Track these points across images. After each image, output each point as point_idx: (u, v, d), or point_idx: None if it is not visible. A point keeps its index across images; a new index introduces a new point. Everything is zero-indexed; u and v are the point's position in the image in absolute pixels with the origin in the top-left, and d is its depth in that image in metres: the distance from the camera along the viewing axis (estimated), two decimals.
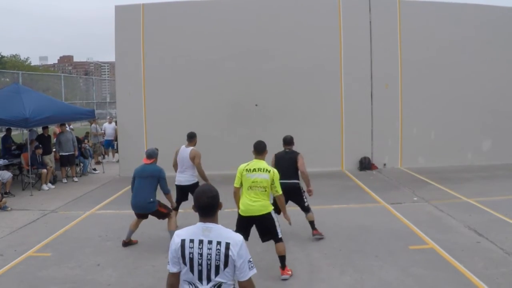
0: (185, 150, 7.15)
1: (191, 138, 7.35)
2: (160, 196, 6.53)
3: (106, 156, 16.06)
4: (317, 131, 12.20)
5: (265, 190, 5.18)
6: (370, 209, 8.41)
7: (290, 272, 5.33)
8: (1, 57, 45.82)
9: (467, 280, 5.07)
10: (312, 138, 11.80)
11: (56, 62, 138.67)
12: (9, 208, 8.86)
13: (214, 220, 2.85)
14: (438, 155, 12.73)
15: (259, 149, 5.46)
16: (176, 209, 6.97)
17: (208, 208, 2.85)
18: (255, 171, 5.20)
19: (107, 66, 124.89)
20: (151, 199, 6.31)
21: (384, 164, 12.87)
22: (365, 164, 12.66)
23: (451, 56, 12.71)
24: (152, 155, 6.52)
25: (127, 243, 6.55)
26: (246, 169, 5.25)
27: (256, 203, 5.14)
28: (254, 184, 5.16)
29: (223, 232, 2.79)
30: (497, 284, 4.93)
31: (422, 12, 12.78)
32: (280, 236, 5.26)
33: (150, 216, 6.52)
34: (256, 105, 12.44)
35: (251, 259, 2.80)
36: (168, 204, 6.63)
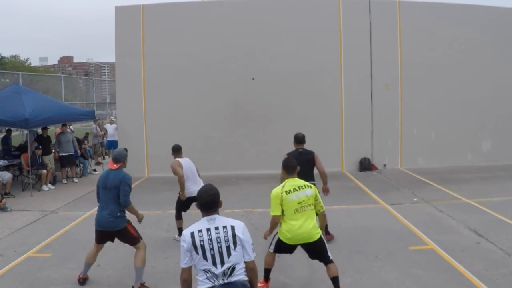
0: (188, 161, 7.01)
1: (180, 149, 7.13)
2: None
3: (107, 157, 16.05)
4: (317, 131, 12.18)
5: (313, 209, 4.64)
6: (370, 210, 8.41)
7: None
8: (1, 58, 45.80)
9: (467, 280, 5.06)
10: (312, 139, 11.70)
11: (56, 62, 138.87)
12: (8, 209, 8.86)
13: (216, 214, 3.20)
14: (438, 155, 12.73)
15: (291, 168, 4.75)
16: (179, 217, 6.83)
17: (210, 204, 3.17)
18: (296, 190, 4.59)
19: (107, 66, 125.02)
20: (118, 214, 5.03)
21: (384, 165, 12.87)
22: (365, 165, 12.67)
23: (451, 57, 12.73)
24: (118, 158, 5.14)
25: (85, 279, 5.26)
26: (285, 191, 4.57)
27: (306, 226, 4.53)
28: (301, 205, 4.55)
29: (225, 219, 3.17)
30: (497, 284, 4.92)
31: (422, 13, 12.80)
32: (331, 257, 4.70)
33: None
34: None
35: (252, 243, 3.19)
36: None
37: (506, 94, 12.92)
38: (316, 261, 5.63)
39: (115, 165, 5.11)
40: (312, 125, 12.30)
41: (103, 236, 5.17)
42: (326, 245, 4.72)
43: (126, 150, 5.38)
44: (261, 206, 8.31)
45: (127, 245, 5.32)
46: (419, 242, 6.46)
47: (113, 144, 15.70)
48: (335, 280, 4.59)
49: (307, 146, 6.62)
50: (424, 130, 12.87)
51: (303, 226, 4.51)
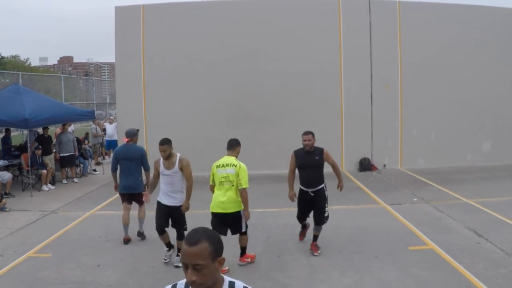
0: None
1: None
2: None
3: (107, 157, 16.06)
4: (317, 132, 12.02)
5: (233, 185, 5.39)
6: (370, 210, 8.42)
7: (248, 259, 5.74)
8: (1, 58, 45.76)
9: (467, 280, 5.06)
10: None
11: (56, 63, 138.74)
12: (7, 209, 8.85)
13: None
14: (438, 156, 12.73)
15: (228, 145, 5.78)
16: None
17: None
18: (223, 166, 5.50)
19: (107, 67, 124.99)
20: (140, 178, 6.61)
21: (384, 165, 12.87)
22: (365, 165, 12.67)
23: (451, 57, 12.73)
24: (128, 134, 6.69)
25: (128, 240, 6.62)
26: (216, 166, 5.56)
27: (225, 198, 5.40)
28: (225, 180, 5.42)
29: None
30: (497, 285, 4.93)
31: (422, 13, 12.80)
32: (244, 230, 5.59)
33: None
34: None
35: None
36: None
37: (506, 94, 12.92)
38: (316, 261, 5.65)
39: (127, 139, 6.62)
40: (312, 125, 12.16)
41: (127, 197, 6.62)
42: (243, 221, 5.50)
43: (138, 130, 6.95)
44: (261, 206, 8.30)
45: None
46: (419, 242, 6.47)
47: (112, 144, 15.71)
48: (242, 249, 5.68)
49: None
50: (424, 130, 12.88)
51: (222, 197, 5.41)
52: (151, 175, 6.28)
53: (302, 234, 6.49)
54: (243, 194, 5.40)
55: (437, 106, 12.78)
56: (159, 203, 5.78)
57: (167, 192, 5.68)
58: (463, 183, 10.46)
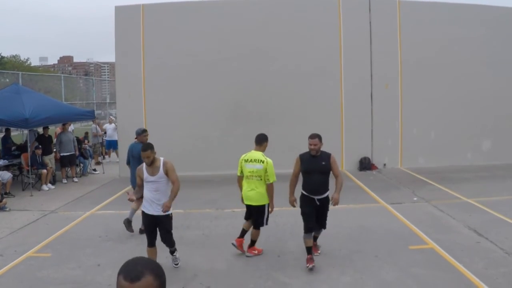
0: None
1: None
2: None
3: (107, 156, 16.06)
4: (317, 131, 12.09)
5: (260, 179, 5.74)
6: (370, 209, 8.42)
7: (255, 252, 6.00)
8: (1, 58, 45.75)
9: (467, 280, 5.06)
10: None
11: (56, 62, 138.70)
12: (8, 209, 8.85)
13: None
14: (438, 155, 12.73)
15: (256, 140, 6.05)
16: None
17: None
18: (251, 161, 5.82)
19: (107, 66, 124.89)
20: None
21: (384, 164, 12.87)
22: (365, 164, 12.67)
23: (451, 56, 12.72)
24: (137, 132, 7.31)
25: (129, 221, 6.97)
26: (244, 160, 5.88)
27: (251, 192, 5.79)
28: (251, 174, 5.78)
29: None
30: (497, 284, 4.93)
31: (422, 12, 12.79)
32: (263, 225, 5.95)
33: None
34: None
35: None
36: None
37: (506, 93, 12.92)
38: (316, 261, 5.65)
39: (135, 139, 7.27)
40: (312, 125, 12.26)
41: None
42: (265, 215, 5.86)
43: (145, 130, 7.41)
44: None
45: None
46: (419, 241, 6.47)
47: (112, 144, 15.71)
48: (252, 242, 6.01)
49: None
50: (424, 129, 12.87)
51: (249, 190, 5.85)
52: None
53: (311, 260, 5.54)
54: (269, 188, 5.74)
55: (437, 105, 12.77)
56: (144, 215, 5.38)
57: (153, 200, 5.27)
58: (463, 182, 10.45)
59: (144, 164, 5.35)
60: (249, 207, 5.94)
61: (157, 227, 5.41)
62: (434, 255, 5.87)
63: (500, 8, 13.23)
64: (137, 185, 5.48)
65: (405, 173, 12.06)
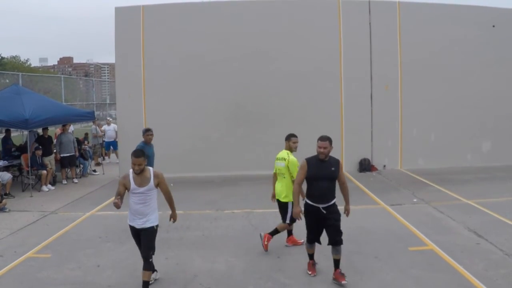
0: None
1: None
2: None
3: (107, 157, 16.06)
4: (317, 132, 12.11)
5: (284, 177, 5.98)
6: (370, 211, 8.41)
7: (266, 243, 6.15)
8: (1, 59, 45.75)
9: (467, 281, 5.06)
10: (312, 140, 11.79)
11: (56, 63, 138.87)
12: (7, 210, 8.85)
13: None
14: (438, 156, 12.74)
15: (285, 138, 6.28)
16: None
17: None
18: (278, 159, 6.15)
19: (107, 67, 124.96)
20: None
21: (384, 166, 12.87)
22: (365, 166, 12.67)
23: (451, 57, 12.74)
24: (142, 132, 7.80)
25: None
26: (276, 158, 6.22)
27: (279, 188, 6.11)
28: (278, 172, 6.12)
29: None
30: (497, 285, 4.93)
31: (422, 13, 12.81)
32: (287, 222, 6.11)
33: None
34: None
35: None
36: None
37: (506, 94, 12.93)
38: (317, 262, 5.64)
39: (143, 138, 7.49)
40: (312, 126, 12.30)
41: None
42: (289, 213, 5.98)
43: (149, 129, 7.70)
44: (261, 206, 8.31)
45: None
46: (419, 242, 6.46)
47: (111, 145, 15.73)
48: (276, 230, 6.20)
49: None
50: (424, 130, 12.88)
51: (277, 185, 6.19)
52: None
53: (313, 267, 5.45)
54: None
55: (437, 107, 12.78)
56: (132, 228, 4.93)
57: (138, 213, 4.81)
58: (463, 184, 10.46)
59: (131, 173, 4.79)
60: (278, 201, 6.23)
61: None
62: (434, 257, 5.86)
63: (500, 9, 13.24)
64: (119, 193, 4.70)
65: (405, 175, 12.06)
